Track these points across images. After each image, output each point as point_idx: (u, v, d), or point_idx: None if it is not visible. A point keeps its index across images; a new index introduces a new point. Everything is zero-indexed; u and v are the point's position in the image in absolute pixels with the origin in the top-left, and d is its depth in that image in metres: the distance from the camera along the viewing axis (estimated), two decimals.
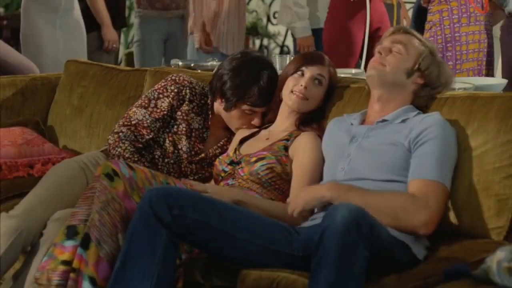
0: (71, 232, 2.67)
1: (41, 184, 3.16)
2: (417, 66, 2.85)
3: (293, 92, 3.07)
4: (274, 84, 3.18)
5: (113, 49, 5.62)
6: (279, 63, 3.79)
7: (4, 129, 3.74)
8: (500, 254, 2.20)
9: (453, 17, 4.19)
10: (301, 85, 3.06)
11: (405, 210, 2.57)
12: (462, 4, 4.21)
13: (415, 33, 2.96)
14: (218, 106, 3.26)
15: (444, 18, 4.17)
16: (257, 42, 8.89)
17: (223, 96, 3.21)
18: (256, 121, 3.23)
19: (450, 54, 4.20)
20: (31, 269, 2.91)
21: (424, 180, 2.63)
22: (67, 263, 2.63)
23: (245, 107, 3.20)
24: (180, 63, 4.23)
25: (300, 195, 2.71)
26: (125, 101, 3.76)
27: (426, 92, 2.88)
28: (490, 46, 4.32)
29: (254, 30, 8.77)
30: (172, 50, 5.77)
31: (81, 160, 3.26)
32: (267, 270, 2.51)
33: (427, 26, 4.30)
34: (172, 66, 4.19)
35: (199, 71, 3.89)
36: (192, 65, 4.18)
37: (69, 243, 2.65)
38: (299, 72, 3.10)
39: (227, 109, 3.22)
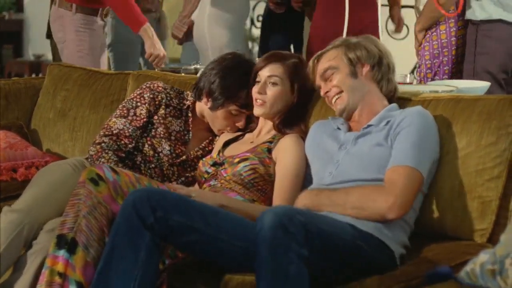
0: (61, 242, 2.65)
1: (37, 182, 3.11)
2: (350, 61, 2.88)
3: (255, 100, 3.07)
4: None
5: None
6: None
7: None
8: (483, 257, 2.20)
9: (450, 21, 4.17)
10: (256, 92, 3.06)
11: (368, 199, 2.61)
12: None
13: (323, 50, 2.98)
14: (203, 106, 3.26)
15: (440, 23, 4.16)
16: None
17: (210, 95, 3.20)
18: (240, 123, 3.22)
19: (447, 59, 4.19)
20: (23, 280, 2.88)
21: (394, 167, 2.65)
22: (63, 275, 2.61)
23: (232, 107, 3.19)
24: (164, 66, 4.22)
25: None
26: (109, 104, 3.76)
27: (380, 73, 2.90)
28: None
29: None
30: None
31: (71, 162, 3.23)
32: (250, 275, 2.50)
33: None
34: (156, 69, 4.18)
35: (183, 74, 3.89)
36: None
37: (61, 253, 2.63)
38: (257, 80, 3.09)
39: (213, 108, 3.21)
